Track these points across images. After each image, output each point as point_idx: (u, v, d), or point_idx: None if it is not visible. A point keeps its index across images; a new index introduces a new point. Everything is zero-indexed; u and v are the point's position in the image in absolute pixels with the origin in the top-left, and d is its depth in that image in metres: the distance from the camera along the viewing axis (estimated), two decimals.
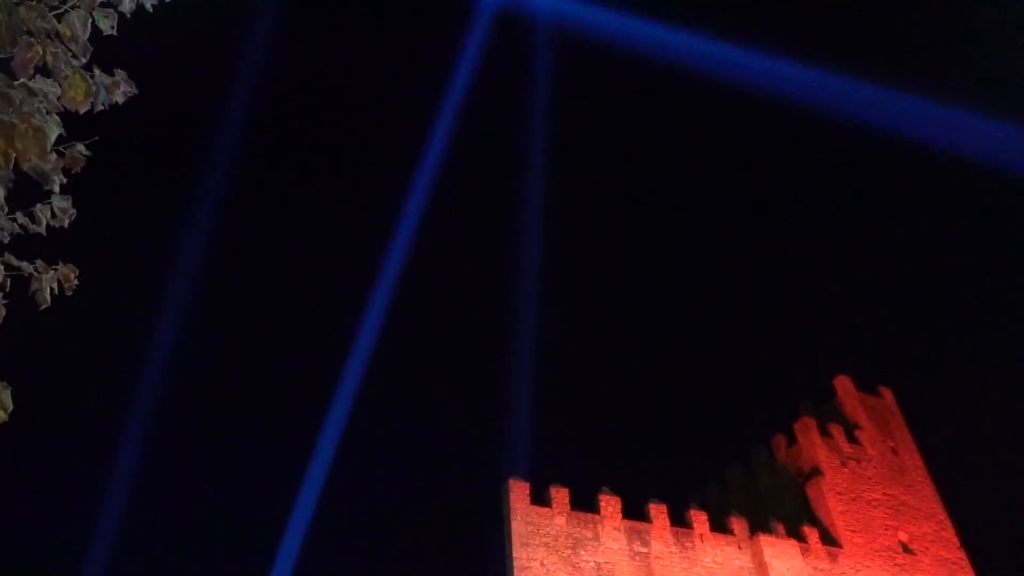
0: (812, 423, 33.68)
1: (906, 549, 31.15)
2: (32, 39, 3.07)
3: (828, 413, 36.11)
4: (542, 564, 24.10)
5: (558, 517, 25.36)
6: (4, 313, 3.38)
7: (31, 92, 3.11)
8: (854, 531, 30.44)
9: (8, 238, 3.38)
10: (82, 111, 3.30)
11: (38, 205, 3.45)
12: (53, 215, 3.48)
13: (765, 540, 27.71)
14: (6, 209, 3.33)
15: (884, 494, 32.70)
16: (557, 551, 24.61)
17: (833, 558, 28.90)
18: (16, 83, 3.08)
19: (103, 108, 3.40)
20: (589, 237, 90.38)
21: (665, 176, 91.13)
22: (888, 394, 37.92)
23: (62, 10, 3.17)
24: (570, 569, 24.40)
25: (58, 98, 3.21)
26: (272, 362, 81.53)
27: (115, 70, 3.39)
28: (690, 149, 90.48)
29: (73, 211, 3.52)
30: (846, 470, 32.66)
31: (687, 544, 26.88)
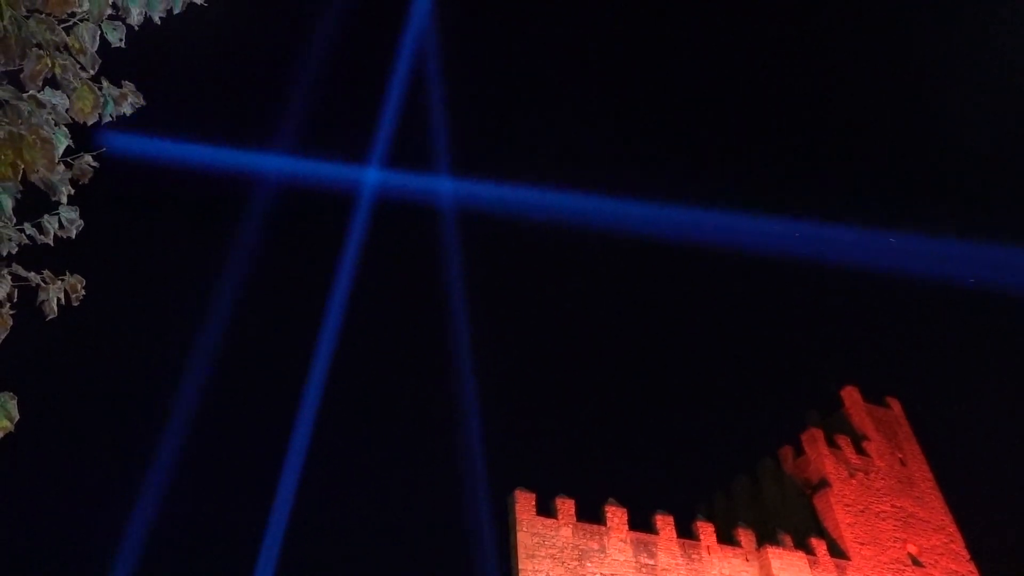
0: (819, 434, 33.47)
1: (915, 562, 30.85)
2: (41, 51, 3.09)
3: (835, 424, 35.89)
4: None
5: (564, 528, 25.23)
6: (11, 323, 3.39)
7: (40, 104, 3.13)
8: (862, 543, 30.19)
9: (16, 249, 3.40)
10: (90, 123, 3.32)
11: (45, 216, 3.46)
12: (60, 226, 3.49)
13: (772, 552, 27.51)
14: (14, 220, 3.35)
15: (892, 506, 32.44)
16: (563, 562, 24.46)
17: (841, 570, 28.65)
18: (25, 95, 3.10)
19: (111, 119, 3.42)
20: (597, 248, 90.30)
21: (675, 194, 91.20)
22: (896, 405, 37.66)
23: (71, 23, 3.19)
24: None
25: (66, 110, 3.22)
26: (272, 372, 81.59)
27: (123, 82, 3.41)
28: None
29: (80, 222, 3.53)
30: (854, 482, 32.42)
31: (694, 556, 26.70)
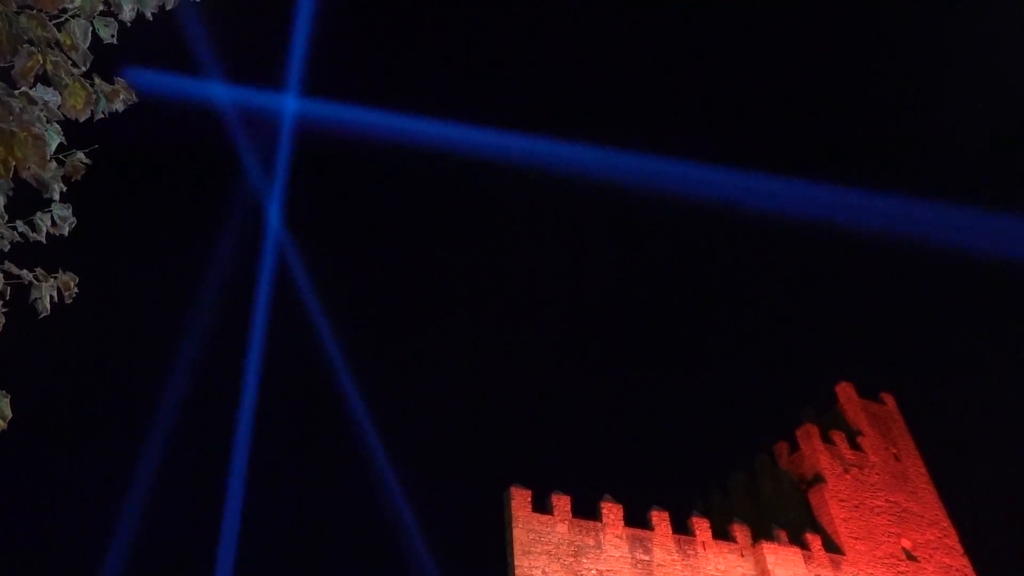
0: (814, 430, 33.57)
1: (909, 556, 31.00)
2: (32, 48, 3.07)
3: (830, 420, 35.99)
4: (544, 572, 24.00)
5: (560, 524, 25.27)
6: (4, 321, 3.37)
7: (31, 101, 3.11)
8: (857, 538, 30.31)
9: (8, 246, 3.38)
10: (82, 119, 3.30)
11: (38, 213, 3.45)
12: (53, 223, 3.48)
13: (768, 547, 27.59)
14: (6, 217, 3.33)
15: (887, 501, 32.56)
16: (559, 559, 24.50)
17: (836, 565, 28.76)
18: (16, 92, 3.08)
19: (103, 116, 3.40)
20: (605, 240, 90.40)
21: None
22: (890, 400, 37.79)
23: (63, 19, 3.17)
24: None
25: (58, 106, 3.21)
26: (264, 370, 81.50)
27: (115, 78, 3.39)
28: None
29: (73, 219, 3.52)
30: (848, 477, 32.54)
31: (689, 552, 26.77)
